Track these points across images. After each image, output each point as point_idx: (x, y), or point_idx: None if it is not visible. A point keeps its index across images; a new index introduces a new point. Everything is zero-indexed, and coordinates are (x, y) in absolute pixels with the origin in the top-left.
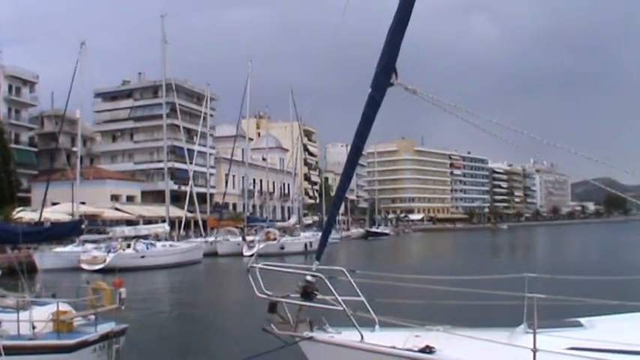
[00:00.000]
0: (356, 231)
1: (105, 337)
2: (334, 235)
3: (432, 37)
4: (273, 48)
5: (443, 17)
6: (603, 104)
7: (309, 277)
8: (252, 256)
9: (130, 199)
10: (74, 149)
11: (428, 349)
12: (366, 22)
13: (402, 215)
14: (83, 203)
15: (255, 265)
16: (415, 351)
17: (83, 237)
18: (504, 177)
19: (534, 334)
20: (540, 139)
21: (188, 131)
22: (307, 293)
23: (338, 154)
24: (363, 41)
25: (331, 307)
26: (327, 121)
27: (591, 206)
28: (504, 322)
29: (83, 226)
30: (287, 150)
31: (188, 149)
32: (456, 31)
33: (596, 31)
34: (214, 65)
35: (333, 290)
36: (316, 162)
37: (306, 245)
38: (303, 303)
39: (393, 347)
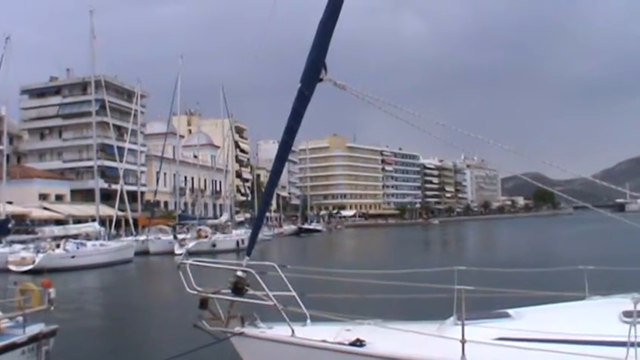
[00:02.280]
0: (288, 228)
1: (34, 339)
2: (267, 232)
3: (363, 33)
4: (204, 44)
5: (373, 13)
6: (529, 100)
7: (239, 273)
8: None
9: (59, 198)
10: (0, 147)
11: (358, 343)
12: (297, 16)
13: (335, 211)
14: (10, 203)
15: (185, 261)
16: (346, 344)
17: (10, 237)
18: (435, 173)
19: (462, 325)
20: (468, 135)
21: (118, 128)
22: (238, 289)
23: (270, 150)
24: (294, 36)
25: (262, 302)
26: (259, 117)
27: (521, 200)
28: (435, 315)
29: (10, 226)
30: (218, 147)
31: (118, 147)
32: (386, 28)
33: (520, 30)
34: (145, 61)
35: (264, 285)
36: (248, 159)
37: (238, 242)
38: (234, 299)
39: (324, 341)
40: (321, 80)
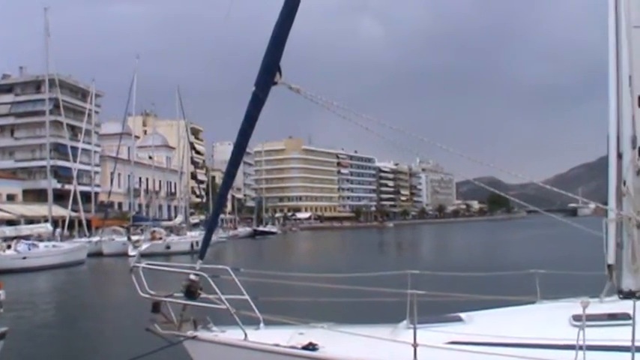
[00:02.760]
0: (243, 230)
1: None
2: (221, 234)
3: (320, 35)
4: (160, 44)
5: (331, 16)
6: (486, 104)
7: (192, 276)
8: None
9: (11, 198)
10: None
11: (311, 346)
12: (254, 18)
13: (290, 214)
14: None
15: (138, 264)
16: (298, 348)
17: None
18: (391, 176)
19: (414, 329)
20: (422, 139)
21: (72, 128)
22: (191, 292)
23: (226, 152)
24: (251, 37)
25: (215, 306)
26: (215, 119)
27: (476, 204)
28: (389, 319)
29: None
30: (174, 148)
31: (72, 147)
32: (344, 31)
33: (477, 35)
34: (100, 60)
35: (217, 289)
36: (203, 160)
37: (192, 244)
38: (187, 302)
39: (277, 345)
40: (275, 84)
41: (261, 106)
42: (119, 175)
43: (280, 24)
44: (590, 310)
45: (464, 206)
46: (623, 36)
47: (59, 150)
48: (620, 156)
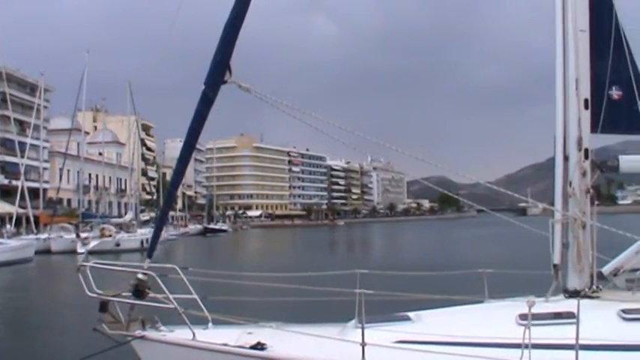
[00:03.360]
0: (194, 227)
1: None
2: (172, 232)
3: (272, 34)
4: (111, 38)
5: (283, 14)
6: (438, 104)
7: (140, 275)
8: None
9: None
10: None
11: (259, 346)
12: (206, 14)
13: (241, 212)
14: None
15: (85, 263)
16: (246, 348)
17: None
18: (342, 174)
19: (362, 328)
20: (371, 139)
21: (20, 123)
22: (139, 291)
23: (177, 149)
24: (203, 33)
25: (163, 305)
26: (167, 115)
27: (426, 203)
28: (338, 318)
29: None
30: (124, 144)
31: (20, 142)
32: (297, 29)
33: (429, 35)
34: (50, 54)
35: (165, 288)
36: (154, 157)
37: (142, 242)
38: (134, 301)
39: (225, 345)
40: (225, 82)
41: (210, 104)
42: (68, 171)
43: (231, 22)
44: (536, 310)
45: (415, 205)
46: (570, 39)
47: (6, 145)
48: (566, 158)
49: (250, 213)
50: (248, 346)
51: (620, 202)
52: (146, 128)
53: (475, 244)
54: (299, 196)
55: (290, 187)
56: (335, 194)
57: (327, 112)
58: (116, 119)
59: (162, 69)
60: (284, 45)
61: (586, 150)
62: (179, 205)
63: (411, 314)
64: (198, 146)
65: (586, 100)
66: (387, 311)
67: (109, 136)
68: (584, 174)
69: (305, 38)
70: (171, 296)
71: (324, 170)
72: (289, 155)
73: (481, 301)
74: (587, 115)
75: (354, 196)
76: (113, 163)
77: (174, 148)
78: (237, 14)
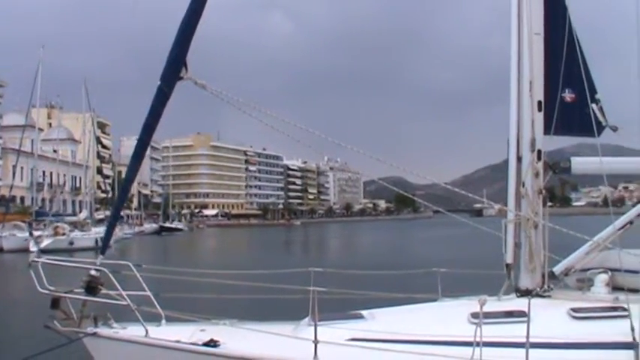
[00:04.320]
0: (149, 226)
1: None
2: (127, 230)
3: (231, 31)
4: (67, 33)
5: (241, 12)
6: (397, 105)
7: (93, 272)
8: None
9: None
10: None
11: (212, 343)
12: (164, 9)
13: (197, 210)
14: None
15: (37, 259)
16: (199, 345)
17: None
18: (299, 174)
19: (315, 326)
20: (326, 138)
21: None
22: (91, 288)
23: (133, 147)
24: (161, 28)
25: (116, 302)
26: (123, 113)
27: (382, 204)
28: (292, 316)
29: None
30: (79, 142)
31: None
32: (255, 27)
33: (386, 37)
34: (2, 48)
35: (117, 285)
36: (110, 155)
37: (97, 241)
38: (86, 298)
39: (178, 342)
40: (181, 78)
41: (166, 100)
42: (22, 168)
43: (187, 19)
44: (488, 308)
45: (371, 205)
46: (524, 43)
47: None
48: (519, 159)
49: (206, 212)
50: (201, 343)
51: (575, 203)
52: (102, 126)
53: (430, 244)
54: (255, 195)
55: (246, 186)
56: (291, 194)
57: (284, 111)
58: (71, 116)
59: (120, 65)
60: (241, 43)
61: (539, 151)
62: (135, 203)
63: (364, 312)
64: (154, 144)
65: (539, 102)
66: (341, 309)
67: (64, 133)
68: (536, 175)
69: (262, 36)
70: (124, 293)
71: (280, 170)
72: (246, 154)
73: (434, 300)
74: (540, 117)
75: (311, 196)
76: (68, 161)
77: (130, 146)
78: (194, 11)
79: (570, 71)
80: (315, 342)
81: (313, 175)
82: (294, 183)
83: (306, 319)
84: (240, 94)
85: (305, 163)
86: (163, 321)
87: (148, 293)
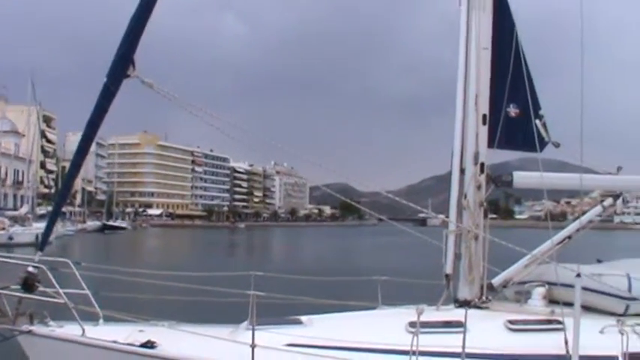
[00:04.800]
0: (92, 224)
1: None
2: (69, 227)
3: (180, 31)
4: (14, 24)
5: (191, 11)
6: (345, 112)
7: (30, 268)
8: None
9: None
10: None
11: (149, 344)
12: (112, 6)
13: (141, 209)
14: None
15: None
16: (136, 346)
17: None
18: (245, 177)
19: (253, 330)
20: (270, 141)
21: None
22: (28, 285)
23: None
24: (109, 24)
25: (53, 300)
26: (70, 107)
27: (328, 210)
28: (232, 319)
29: None
30: (23, 135)
31: None
32: (208, 28)
33: (340, 42)
34: None
35: (55, 282)
36: (54, 150)
37: (37, 236)
38: (23, 295)
39: (115, 342)
40: (128, 76)
41: (112, 98)
42: None
43: (137, 15)
44: (426, 318)
45: (316, 211)
46: (472, 56)
47: None
48: (462, 171)
49: (151, 211)
50: (138, 344)
51: (518, 216)
52: (47, 119)
53: (373, 252)
54: (201, 196)
55: (192, 187)
56: (237, 196)
57: (235, 114)
58: (16, 109)
59: (68, 59)
60: (192, 43)
61: (482, 164)
62: (78, 200)
63: (303, 318)
64: (100, 141)
65: (484, 116)
66: (281, 314)
67: (8, 126)
68: (479, 187)
69: (213, 37)
70: (61, 291)
71: (227, 172)
72: (193, 155)
73: (374, 308)
74: (484, 130)
75: (256, 199)
76: (10, 154)
77: (75, 141)
78: (143, 7)
79: (516, 86)
80: (253, 346)
81: (259, 179)
82: (240, 185)
83: (245, 323)
84: (190, 94)
85: (252, 165)
86: (101, 321)
87: (87, 292)
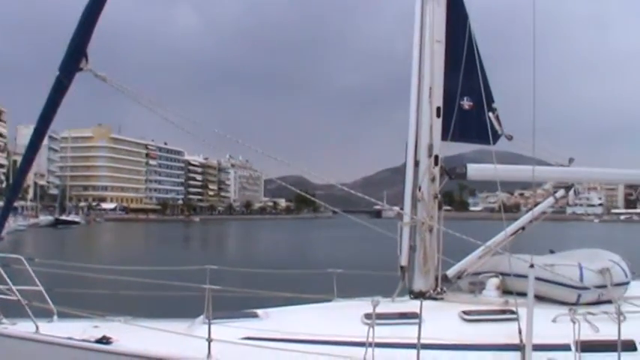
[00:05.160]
0: (45, 218)
1: None
2: (21, 222)
3: (133, 23)
4: None
5: (144, 3)
6: (300, 105)
7: None
8: None
9: None
10: None
11: (105, 340)
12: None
13: (95, 204)
14: None
15: None
16: (91, 342)
17: None
18: (200, 170)
19: (209, 324)
20: (224, 135)
21: None
22: None
23: (30, 136)
24: (61, 16)
25: (5, 297)
26: (21, 100)
27: (283, 202)
28: (188, 314)
29: None
30: None
31: None
32: (160, 19)
33: (294, 34)
34: None
35: (7, 279)
36: (5, 143)
37: None
38: None
39: (70, 338)
40: (80, 70)
41: (64, 91)
42: None
43: (89, 8)
44: (381, 309)
45: (271, 204)
46: (426, 49)
47: None
48: (417, 163)
49: (104, 205)
50: (93, 340)
51: (472, 208)
52: None
53: (329, 244)
54: (155, 190)
55: (146, 180)
56: (192, 190)
57: (190, 107)
58: None
59: (19, 51)
60: (145, 35)
61: (436, 157)
62: (30, 194)
63: (259, 311)
64: (52, 134)
65: (438, 109)
66: (237, 308)
67: None
68: (433, 179)
69: (166, 29)
70: (14, 287)
71: (181, 165)
72: (147, 148)
73: (330, 300)
74: (438, 123)
75: (211, 193)
76: None
77: (27, 134)
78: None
79: (469, 79)
80: (209, 340)
81: (214, 172)
82: (194, 179)
83: (201, 317)
84: (145, 87)
85: (206, 159)
86: (55, 317)
87: (40, 288)
